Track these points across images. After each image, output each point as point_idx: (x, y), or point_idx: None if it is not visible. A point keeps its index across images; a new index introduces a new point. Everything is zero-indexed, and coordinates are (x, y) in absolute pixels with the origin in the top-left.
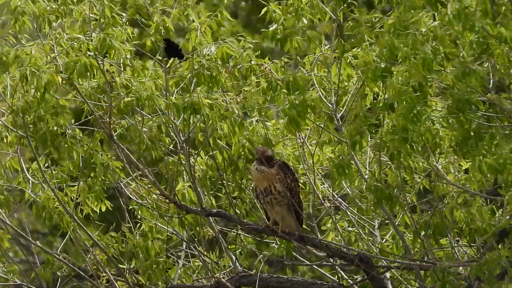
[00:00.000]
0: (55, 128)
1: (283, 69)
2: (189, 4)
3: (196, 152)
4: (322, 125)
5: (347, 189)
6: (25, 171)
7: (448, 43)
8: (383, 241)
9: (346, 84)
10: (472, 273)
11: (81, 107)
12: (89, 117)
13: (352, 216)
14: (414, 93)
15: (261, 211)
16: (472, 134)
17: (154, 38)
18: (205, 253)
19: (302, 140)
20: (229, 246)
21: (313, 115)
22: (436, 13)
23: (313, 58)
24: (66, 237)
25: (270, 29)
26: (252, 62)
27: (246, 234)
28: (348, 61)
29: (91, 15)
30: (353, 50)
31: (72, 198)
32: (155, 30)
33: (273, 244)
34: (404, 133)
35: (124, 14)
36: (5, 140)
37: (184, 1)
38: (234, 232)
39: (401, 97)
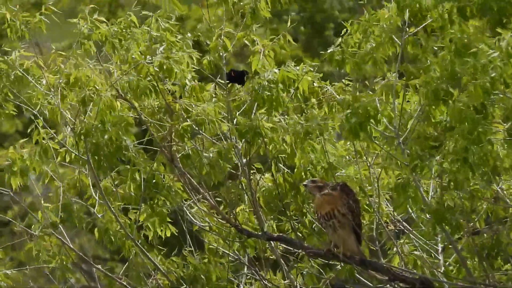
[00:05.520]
0: (119, 144)
1: (344, 90)
2: (252, 28)
3: (260, 176)
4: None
5: (412, 213)
6: (92, 192)
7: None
8: (446, 264)
9: (410, 109)
10: None
11: (142, 129)
12: (151, 137)
13: (415, 240)
14: (476, 114)
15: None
16: None
17: (211, 57)
18: (267, 276)
19: (369, 164)
20: (290, 271)
21: (379, 139)
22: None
23: (378, 84)
24: (128, 261)
25: (329, 51)
26: (315, 84)
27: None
28: (415, 89)
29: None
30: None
31: (135, 221)
32: (213, 49)
33: (338, 267)
34: (465, 153)
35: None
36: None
37: (247, 25)
38: (297, 255)
39: (462, 118)
